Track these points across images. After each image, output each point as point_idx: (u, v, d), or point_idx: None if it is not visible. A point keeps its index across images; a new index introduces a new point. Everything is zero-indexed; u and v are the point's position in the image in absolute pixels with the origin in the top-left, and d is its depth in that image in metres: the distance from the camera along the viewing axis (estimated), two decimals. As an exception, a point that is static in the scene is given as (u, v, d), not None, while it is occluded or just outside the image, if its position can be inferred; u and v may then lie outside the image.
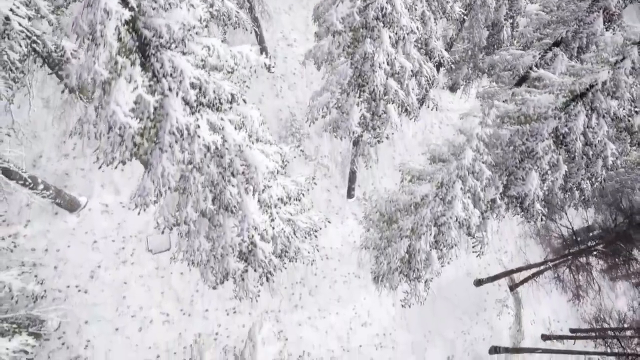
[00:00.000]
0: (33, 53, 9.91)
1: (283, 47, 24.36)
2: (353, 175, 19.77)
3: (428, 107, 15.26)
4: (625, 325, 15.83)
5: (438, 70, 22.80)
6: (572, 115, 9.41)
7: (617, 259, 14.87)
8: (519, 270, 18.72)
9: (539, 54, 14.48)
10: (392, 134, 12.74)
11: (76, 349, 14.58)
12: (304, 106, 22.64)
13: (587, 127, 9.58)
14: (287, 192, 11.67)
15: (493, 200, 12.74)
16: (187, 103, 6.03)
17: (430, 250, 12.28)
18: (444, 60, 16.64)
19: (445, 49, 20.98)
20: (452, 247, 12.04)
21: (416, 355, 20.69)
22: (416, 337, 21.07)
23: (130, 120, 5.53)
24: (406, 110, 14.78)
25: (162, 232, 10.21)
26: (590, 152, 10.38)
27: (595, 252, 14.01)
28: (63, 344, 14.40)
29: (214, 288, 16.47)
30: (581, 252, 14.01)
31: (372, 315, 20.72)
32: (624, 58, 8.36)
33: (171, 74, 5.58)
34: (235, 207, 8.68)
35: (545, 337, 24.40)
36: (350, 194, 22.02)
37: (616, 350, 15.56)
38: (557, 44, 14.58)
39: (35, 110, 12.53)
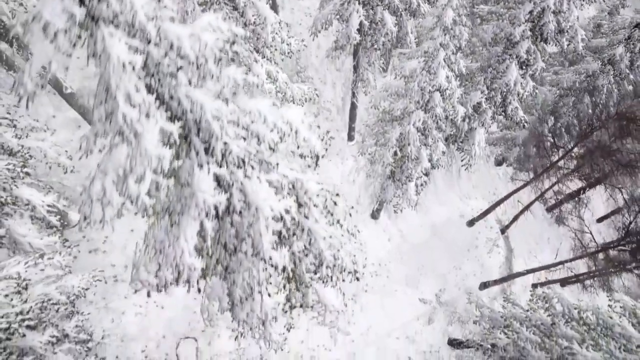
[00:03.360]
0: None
1: (291, -1, 25.70)
2: (353, 111, 20.96)
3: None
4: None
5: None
6: (545, -3, 10.67)
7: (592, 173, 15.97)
8: (507, 197, 19.87)
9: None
10: (388, 41, 13.99)
11: (95, 243, 15.96)
12: (307, 52, 23.94)
13: (559, 12, 10.76)
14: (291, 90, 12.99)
15: (479, 104, 13.95)
16: None
17: (420, 146, 13.53)
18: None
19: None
20: (438, 140, 13.27)
21: (409, 286, 21.88)
22: (410, 269, 22.27)
23: None
24: (400, 42, 16.03)
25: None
26: (565, 41, 11.53)
27: (573, 156, 15.09)
28: (84, 237, 15.78)
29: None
30: (561, 159, 15.08)
31: (369, 246, 21.91)
32: None
33: None
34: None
35: (534, 286, 25.46)
36: (350, 136, 23.24)
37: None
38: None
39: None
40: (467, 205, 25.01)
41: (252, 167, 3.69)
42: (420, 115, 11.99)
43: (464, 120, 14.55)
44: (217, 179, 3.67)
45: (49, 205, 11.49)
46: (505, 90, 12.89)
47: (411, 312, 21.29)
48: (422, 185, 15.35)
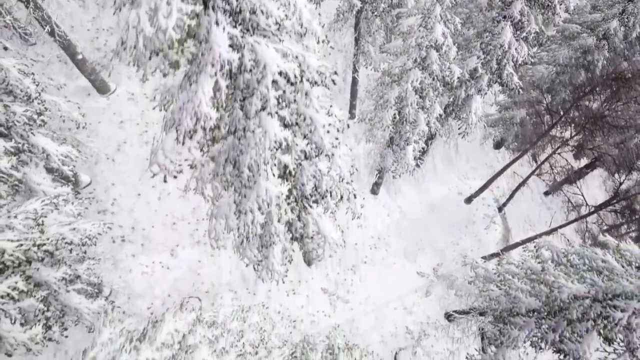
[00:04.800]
0: None
1: (294, -19, 26.24)
2: (354, 87, 21.46)
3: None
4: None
5: None
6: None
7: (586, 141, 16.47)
8: (505, 169, 20.37)
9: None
10: (387, 7, 14.53)
11: (104, 204, 16.55)
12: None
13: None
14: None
15: (475, 69, 14.47)
16: None
17: (418, 109, 14.06)
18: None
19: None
20: (435, 102, 13.80)
21: (408, 259, 22.39)
22: (408, 244, 22.77)
23: None
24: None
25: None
26: (557, 2, 12.04)
27: (568, 121, 15.54)
28: (93, 197, 16.37)
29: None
30: (555, 123, 15.56)
31: (368, 220, 22.45)
32: None
33: None
34: None
35: (532, 265, 25.87)
36: (351, 114, 23.74)
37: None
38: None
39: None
40: (466, 184, 25.50)
41: (262, 35, 4.21)
42: (418, 75, 12.50)
43: (460, 85, 15.06)
44: (231, 42, 4.19)
45: (62, 156, 12.06)
46: (500, 54, 13.41)
47: (409, 285, 21.78)
48: (420, 152, 15.88)
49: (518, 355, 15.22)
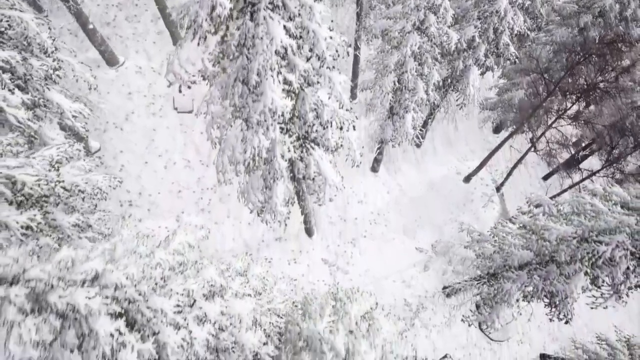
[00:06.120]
0: None
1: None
2: (356, 66, 21.88)
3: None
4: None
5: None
6: None
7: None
8: (502, 144, 20.82)
9: None
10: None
11: (112, 170, 17.10)
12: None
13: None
14: None
15: (472, 39, 14.96)
16: None
17: (417, 76, 14.56)
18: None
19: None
20: (433, 68, 14.29)
21: (407, 235, 22.86)
22: (408, 220, 23.25)
23: None
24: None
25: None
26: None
27: (564, 92, 15.95)
28: (102, 163, 16.87)
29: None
30: (550, 93, 15.98)
31: (368, 196, 22.97)
32: None
33: None
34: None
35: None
36: (353, 94, 24.22)
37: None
38: None
39: None
40: (465, 165, 25.95)
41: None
42: (416, 39, 12.99)
43: (458, 56, 15.55)
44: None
45: (76, 112, 12.59)
46: (496, 21, 13.90)
47: (408, 260, 22.26)
48: (420, 124, 16.36)
49: (512, 315, 15.73)
